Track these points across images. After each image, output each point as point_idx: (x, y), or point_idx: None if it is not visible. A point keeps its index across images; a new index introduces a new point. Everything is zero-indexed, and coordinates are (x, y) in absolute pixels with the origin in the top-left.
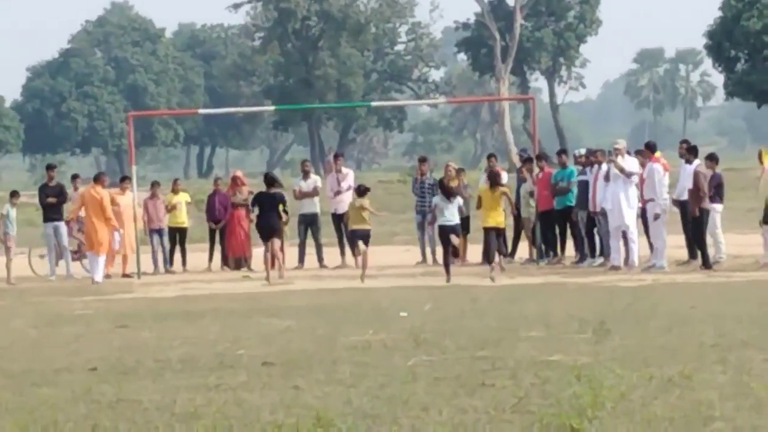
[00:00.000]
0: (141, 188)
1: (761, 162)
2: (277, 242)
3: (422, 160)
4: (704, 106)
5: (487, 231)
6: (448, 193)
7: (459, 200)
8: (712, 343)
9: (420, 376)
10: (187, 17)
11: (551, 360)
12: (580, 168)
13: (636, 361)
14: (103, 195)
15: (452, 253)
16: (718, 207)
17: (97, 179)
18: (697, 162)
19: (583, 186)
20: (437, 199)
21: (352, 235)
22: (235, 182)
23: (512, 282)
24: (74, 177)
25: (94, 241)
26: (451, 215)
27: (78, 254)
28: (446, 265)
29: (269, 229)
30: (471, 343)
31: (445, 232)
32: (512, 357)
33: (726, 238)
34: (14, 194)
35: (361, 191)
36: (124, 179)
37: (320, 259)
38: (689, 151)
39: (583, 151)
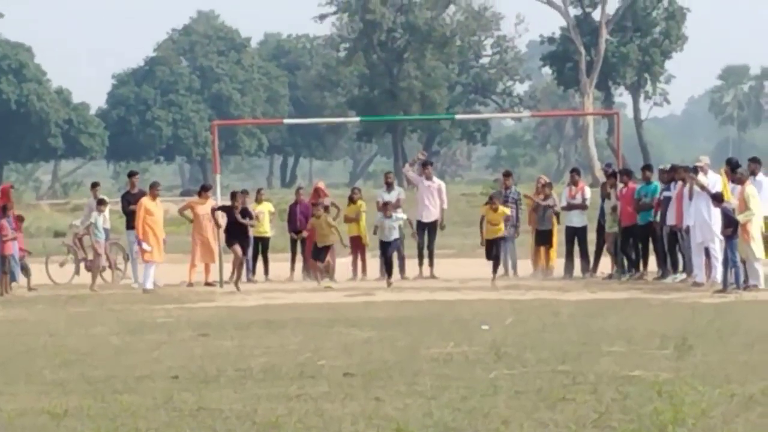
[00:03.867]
0: (225, 197)
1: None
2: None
3: (507, 174)
4: None
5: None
6: (384, 210)
7: (400, 216)
8: None
9: (501, 389)
10: (273, 27)
11: (632, 375)
12: (663, 184)
13: (717, 378)
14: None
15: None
16: None
17: (151, 188)
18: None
19: (666, 202)
20: (378, 217)
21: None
22: (318, 193)
23: (594, 297)
24: (94, 185)
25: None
26: (389, 232)
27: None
28: (387, 272)
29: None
30: (552, 357)
31: (383, 247)
32: (593, 372)
33: None
34: (101, 202)
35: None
36: (205, 189)
37: (402, 269)
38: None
39: (668, 166)
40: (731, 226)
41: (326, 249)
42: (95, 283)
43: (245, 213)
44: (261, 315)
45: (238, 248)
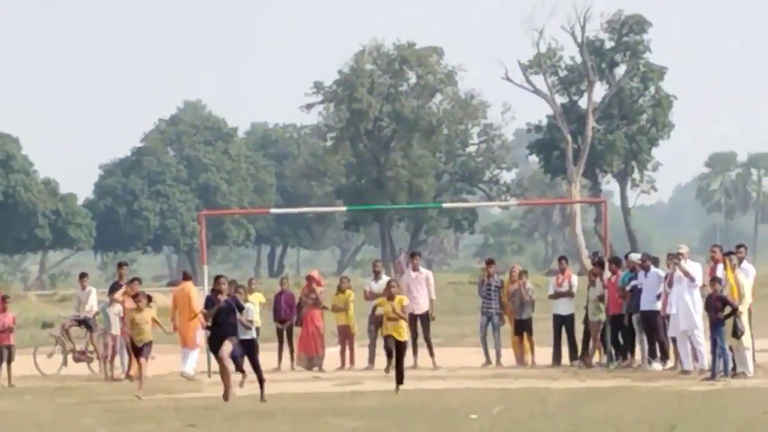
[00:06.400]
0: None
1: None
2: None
3: (489, 262)
4: None
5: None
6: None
7: (248, 308)
8: None
9: None
10: (260, 117)
11: None
12: (631, 273)
13: None
14: (192, 291)
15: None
16: None
17: (187, 277)
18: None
19: (634, 290)
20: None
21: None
22: (310, 282)
23: (582, 385)
24: (82, 276)
25: (186, 336)
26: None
27: (85, 356)
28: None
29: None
30: None
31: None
32: None
33: None
34: (112, 291)
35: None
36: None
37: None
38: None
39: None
40: (726, 311)
41: (148, 347)
42: (108, 373)
43: (233, 304)
44: (249, 405)
45: (225, 353)
